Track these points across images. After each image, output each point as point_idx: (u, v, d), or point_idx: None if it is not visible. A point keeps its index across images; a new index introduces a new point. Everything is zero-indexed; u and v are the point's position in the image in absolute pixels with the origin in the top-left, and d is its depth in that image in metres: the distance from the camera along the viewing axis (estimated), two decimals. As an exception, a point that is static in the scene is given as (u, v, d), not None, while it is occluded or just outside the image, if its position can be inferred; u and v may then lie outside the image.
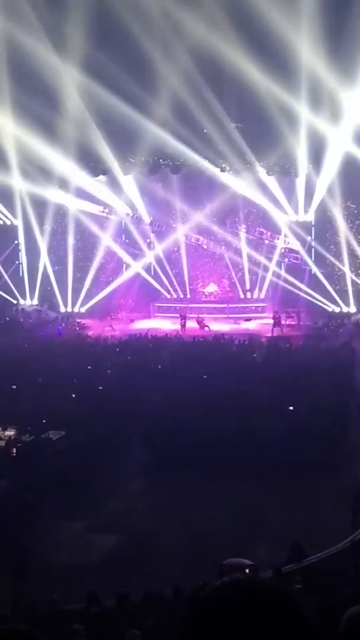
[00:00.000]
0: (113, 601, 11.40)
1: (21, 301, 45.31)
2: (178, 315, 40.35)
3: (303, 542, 14.02)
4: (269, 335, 36.40)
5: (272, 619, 1.61)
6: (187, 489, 18.57)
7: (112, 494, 19.17)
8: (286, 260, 43.12)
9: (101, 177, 43.06)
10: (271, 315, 39.03)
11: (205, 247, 44.76)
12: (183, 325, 39.12)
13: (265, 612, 1.62)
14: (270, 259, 43.29)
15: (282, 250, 42.99)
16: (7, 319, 42.09)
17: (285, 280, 42.85)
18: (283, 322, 38.26)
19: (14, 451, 20.06)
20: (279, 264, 43.39)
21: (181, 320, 39.50)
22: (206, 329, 38.40)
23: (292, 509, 17.38)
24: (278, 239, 42.95)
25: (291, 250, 42.92)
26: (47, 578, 14.52)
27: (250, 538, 16.02)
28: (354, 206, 42.52)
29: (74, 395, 24.50)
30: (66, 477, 18.61)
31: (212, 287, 45.32)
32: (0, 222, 45.74)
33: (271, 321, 38.07)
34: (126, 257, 45.24)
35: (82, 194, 43.13)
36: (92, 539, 16.99)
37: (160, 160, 42.07)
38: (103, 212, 43.89)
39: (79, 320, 42.44)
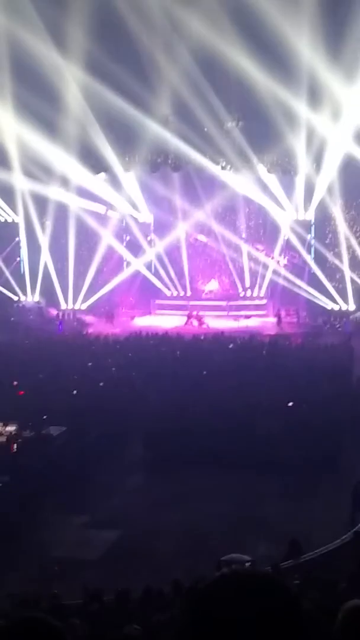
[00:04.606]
0: (112, 597, 11.47)
1: (22, 298, 45.33)
2: (187, 313, 40.39)
3: (301, 538, 14.12)
4: (270, 332, 36.42)
5: (271, 610, 1.62)
6: (186, 485, 18.67)
7: (111, 490, 19.24)
8: (285, 259, 43.16)
9: (102, 175, 43.07)
10: (273, 312, 39.07)
11: (205, 243, 44.84)
12: (190, 324, 39.26)
13: (264, 603, 1.63)
14: (270, 257, 43.40)
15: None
16: (12, 319, 41.98)
17: (285, 279, 42.93)
18: (283, 319, 38.33)
19: (15, 447, 20.15)
20: (278, 262, 43.48)
21: (188, 318, 39.61)
22: (204, 326, 38.48)
23: (291, 505, 17.47)
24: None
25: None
26: (47, 572, 14.62)
27: (249, 534, 16.12)
28: (354, 205, 42.55)
29: (74, 392, 24.60)
30: (66, 473, 18.71)
31: (212, 285, 45.34)
32: (2, 219, 45.82)
33: (272, 319, 38.10)
34: (127, 255, 45.27)
35: (83, 192, 43.14)
36: (92, 534, 17.08)
37: (161, 158, 42.09)
38: (104, 208, 43.99)
39: (79, 317, 42.53)
